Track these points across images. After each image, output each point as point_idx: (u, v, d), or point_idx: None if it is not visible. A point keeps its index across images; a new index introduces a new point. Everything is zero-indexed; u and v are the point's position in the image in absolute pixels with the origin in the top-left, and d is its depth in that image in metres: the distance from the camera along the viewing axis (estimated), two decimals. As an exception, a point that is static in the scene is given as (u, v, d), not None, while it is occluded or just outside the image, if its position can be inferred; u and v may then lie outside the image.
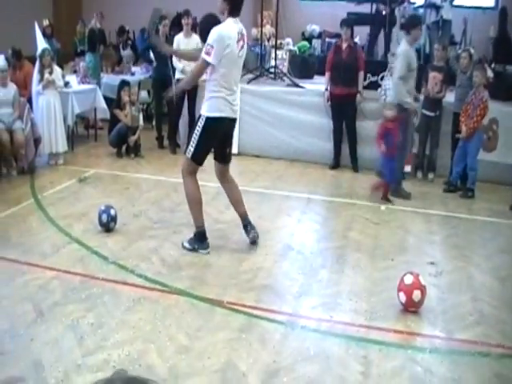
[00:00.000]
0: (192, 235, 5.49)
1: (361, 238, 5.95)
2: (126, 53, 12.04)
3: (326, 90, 8.55)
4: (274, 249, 5.62)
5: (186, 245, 5.46)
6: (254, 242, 5.60)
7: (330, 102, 8.54)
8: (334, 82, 8.45)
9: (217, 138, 5.35)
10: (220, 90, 5.19)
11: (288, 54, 10.35)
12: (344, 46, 8.46)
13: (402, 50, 7.15)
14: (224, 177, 5.68)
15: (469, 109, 7.51)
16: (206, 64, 5.11)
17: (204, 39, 5.20)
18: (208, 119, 5.21)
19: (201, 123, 5.24)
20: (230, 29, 5.13)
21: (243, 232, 5.64)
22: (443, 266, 5.38)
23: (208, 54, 5.04)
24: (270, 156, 8.99)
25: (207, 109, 5.24)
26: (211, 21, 5.39)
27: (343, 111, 8.51)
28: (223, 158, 5.60)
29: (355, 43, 8.79)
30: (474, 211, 7.07)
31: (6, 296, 4.47)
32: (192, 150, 5.29)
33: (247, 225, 5.63)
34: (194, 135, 5.29)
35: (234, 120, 5.47)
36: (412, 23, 7.37)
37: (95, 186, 7.44)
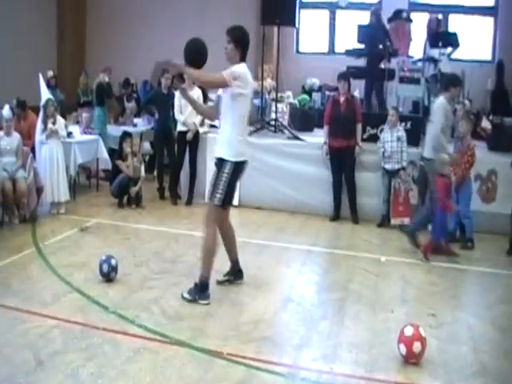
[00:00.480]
0: (192, 285, 5.49)
1: (361, 290, 5.95)
2: (131, 105, 12.20)
3: (325, 143, 8.67)
4: (274, 300, 5.61)
5: (186, 295, 5.45)
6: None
7: (328, 155, 8.65)
8: (333, 134, 8.57)
9: (239, 179, 5.51)
10: (241, 134, 5.37)
11: (288, 106, 10.51)
12: (342, 99, 8.61)
13: (441, 103, 7.17)
14: (225, 221, 5.71)
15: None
16: (222, 82, 5.19)
17: (186, 59, 5.22)
18: (235, 164, 5.33)
19: (228, 169, 5.32)
20: (248, 71, 5.27)
21: (236, 280, 5.83)
22: (443, 317, 5.36)
23: (232, 76, 5.14)
24: (271, 208, 9.05)
25: (233, 154, 5.34)
26: (196, 43, 5.41)
27: (342, 163, 8.61)
28: (230, 200, 5.66)
29: (352, 96, 8.93)
30: (473, 262, 7.09)
31: (6, 344, 4.45)
32: (221, 196, 5.35)
33: (240, 269, 5.78)
34: (221, 181, 5.35)
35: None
36: (453, 82, 7.42)
37: (96, 235, 7.48)
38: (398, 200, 8.33)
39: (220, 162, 5.42)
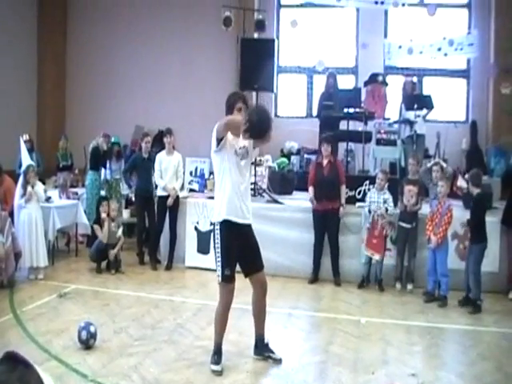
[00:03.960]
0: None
1: (342, 352, 5.92)
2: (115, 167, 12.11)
3: (311, 199, 8.66)
4: (255, 365, 5.57)
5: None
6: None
7: (313, 214, 8.70)
8: (317, 197, 8.64)
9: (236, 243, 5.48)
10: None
11: (267, 170, 10.62)
12: (325, 162, 8.72)
13: None
14: (254, 289, 5.71)
15: (435, 218, 7.81)
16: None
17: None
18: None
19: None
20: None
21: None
22: (425, 376, 5.34)
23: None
24: (251, 271, 9.01)
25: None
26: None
27: (326, 225, 8.67)
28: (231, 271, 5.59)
29: (336, 159, 9.03)
30: (453, 320, 7.12)
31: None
32: (220, 269, 5.38)
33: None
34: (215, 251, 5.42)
35: None
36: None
37: (75, 301, 7.40)
38: (374, 232, 8.35)
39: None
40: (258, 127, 4.78)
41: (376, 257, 8.35)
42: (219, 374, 5.27)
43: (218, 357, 5.39)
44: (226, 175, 5.27)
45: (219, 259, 5.31)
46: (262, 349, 5.67)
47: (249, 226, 5.45)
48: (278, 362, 5.57)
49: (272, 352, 5.65)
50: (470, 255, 7.65)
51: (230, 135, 5.16)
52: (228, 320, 5.46)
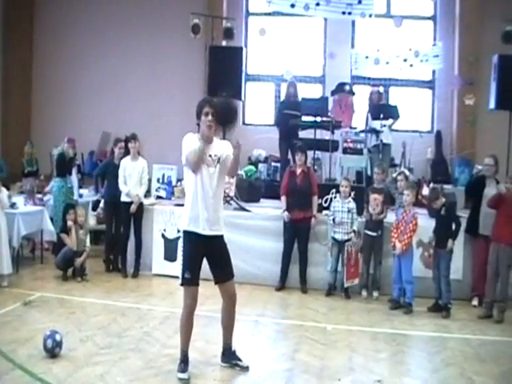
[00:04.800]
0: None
1: (308, 360, 5.96)
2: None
3: (284, 211, 8.70)
4: (222, 372, 5.56)
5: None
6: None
7: (284, 223, 8.72)
8: (290, 206, 8.67)
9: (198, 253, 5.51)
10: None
11: (235, 178, 10.59)
12: (298, 171, 8.76)
13: None
14: (223, 298, 5.68)
15: (401, 226, 7.95)
16: None
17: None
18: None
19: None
20: None
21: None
22: (390, 383, 5.41)
23: None
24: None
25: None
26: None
27: (297, 234, 8.70)
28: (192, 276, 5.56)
29: (309, 168, 9.06)
30: (418, 327, 7.22)
31: None
32: (181, 273, 5.41)
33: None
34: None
35: None
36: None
37: (41, 309, 7.30)
38: (351, 263, 8.44)
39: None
40: (223, 113, 5.06)
41: (356, 281, 8.47)
42: (186, 382, 5.25)
43: (185, 365, 5.38)
44: (192, 185, 5.30)
45: (182, 263, 5.39)
46: (229, 356, 5.67)
47: (216, 238, 5.45)
48: (245, 369, 5.58)
49: (239, 360, 5.66)
50: (440, 261, 7.76)
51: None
52: (193, 327, 5.45)
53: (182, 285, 5.38)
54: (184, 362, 5.39)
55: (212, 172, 5.31)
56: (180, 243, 9.04)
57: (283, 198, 8.78)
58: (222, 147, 5.37)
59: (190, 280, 5.31)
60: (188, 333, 5.41)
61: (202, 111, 5.27)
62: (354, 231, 8.45)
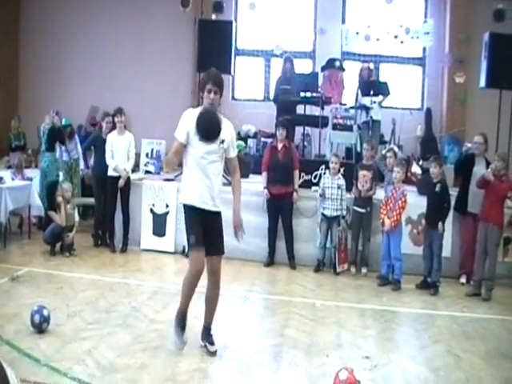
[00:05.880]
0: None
1: (297, 335, 5.98)
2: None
3: (265, 188, 8.74)
4: (210, 348, 5.57)
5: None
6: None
7: (266, 199, 8.73)
8: (271, 181, 8.68)
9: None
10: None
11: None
12: (279, 146, 8.75)
13: None
14: (208, 274, 5.58)
15: (390, 203, 7.96)
16: None
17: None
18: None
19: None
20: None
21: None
22: (378, 359, 5.44)
23: None
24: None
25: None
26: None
27: (280, 209, 8.71)
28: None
29: (290, 143, 9.04)
30: (406, 304, 7.28)
31: None
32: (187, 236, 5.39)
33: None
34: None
35: None
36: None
37: (28, 285, 7.27)
38: (341, 248, 8.49)
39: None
40: (204, 131, 4.95)
41: (345, 266, 8.55)
42: (181, 344, 5.32)
43: (182, 329, 5.35)
44: (191, 161, 5.25)
45: (186, 231, 5.34)
46: (203, 336, 5.57)
47: (213, 213, 5.42)
48: (212, 354, 5.42)
49: (210, 343, 5.49)
50: (432, 241, 7.79)
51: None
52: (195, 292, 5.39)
53: (189, 251, 5.36)
54: (181, 326, 5.35)
55: (213, 149, 5.24)
56: (169, 218, 9.15)
57: (264, 174, 8.80)
58: (225, 128, 5.24)
59: (196, 243, 5.23)
60: (189, 295, 5.34)
61: (206, 87, 5.22)
62: (343, 217, 8.48)
